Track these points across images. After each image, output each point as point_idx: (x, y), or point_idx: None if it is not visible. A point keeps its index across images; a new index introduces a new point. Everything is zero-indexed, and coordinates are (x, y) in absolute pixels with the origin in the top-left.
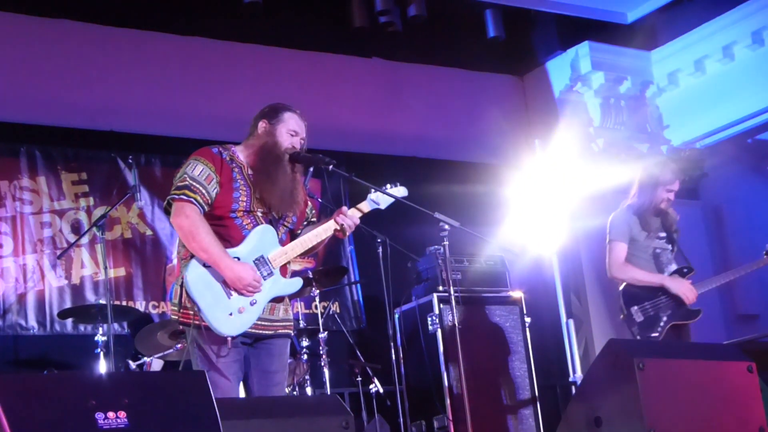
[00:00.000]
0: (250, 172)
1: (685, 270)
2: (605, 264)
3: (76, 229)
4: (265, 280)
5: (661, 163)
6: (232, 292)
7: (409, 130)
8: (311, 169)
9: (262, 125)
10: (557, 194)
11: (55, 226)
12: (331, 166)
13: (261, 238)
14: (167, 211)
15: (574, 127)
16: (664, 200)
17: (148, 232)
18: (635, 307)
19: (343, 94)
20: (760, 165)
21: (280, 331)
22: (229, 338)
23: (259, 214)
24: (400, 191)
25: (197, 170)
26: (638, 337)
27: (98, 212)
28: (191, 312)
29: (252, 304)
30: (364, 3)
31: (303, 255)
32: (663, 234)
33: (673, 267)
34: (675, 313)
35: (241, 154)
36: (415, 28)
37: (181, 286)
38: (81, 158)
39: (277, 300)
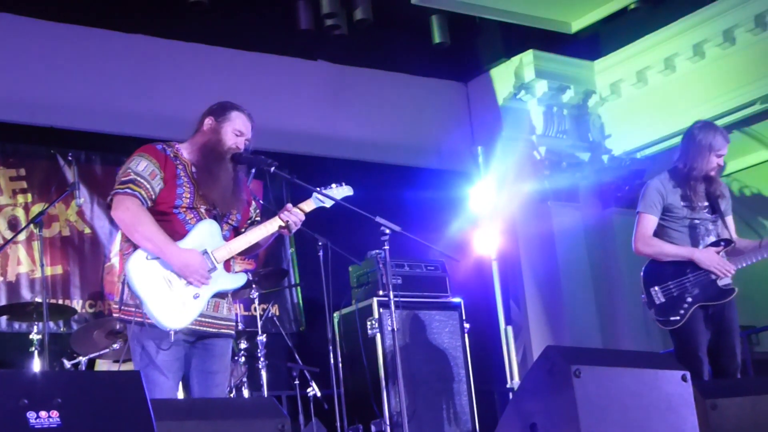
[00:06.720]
0: (194, 169)
1: (722, 243)
2: (542, 268)
3: (13, 225)
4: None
5: (709, 127)
6: (174, 286)
7: (352, 133)
8: (253, 170)
9: (208, 122)
10: (498, 201)
11: None
12: (272, 168)
13: (204, 233)
14: (110, 207)
15: (517, 135)
16: (714, 167)
17: (87, 230)
18: (656, 288)
19: (287, 96)
20: None
21: (223, 330)
22: (171, 332)
23: (203, 210)
24: (344, 191)
25: (141, 166)
26: (657, 321)
27: (36, 209)
28: (133, 308)
29: (195, 297)
30: (311, 5)
31: (245, 253)
32: (705, 203)
33: (712, 240)
34: (703, 293)
35: (185, 151)
36: (361, 32)
37: (123, 282)
38: (20, 154)
39: (221, 296)
